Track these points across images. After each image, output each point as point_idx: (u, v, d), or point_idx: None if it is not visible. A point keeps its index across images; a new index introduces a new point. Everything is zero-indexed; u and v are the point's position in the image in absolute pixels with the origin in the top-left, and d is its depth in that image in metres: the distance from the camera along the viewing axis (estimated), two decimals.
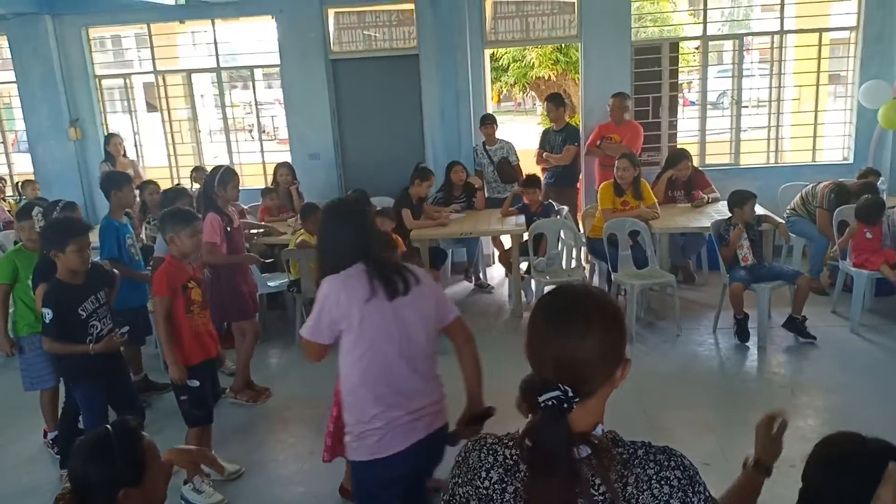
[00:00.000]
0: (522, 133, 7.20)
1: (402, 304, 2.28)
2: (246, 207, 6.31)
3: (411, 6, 7.04)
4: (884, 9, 6.46)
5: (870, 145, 6.63)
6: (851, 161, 6.79)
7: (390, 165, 7.18)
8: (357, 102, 7.44)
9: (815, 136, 7.07)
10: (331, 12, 7.38)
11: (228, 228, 4.42)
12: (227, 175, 4.50)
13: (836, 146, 7.07)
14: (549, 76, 12.05)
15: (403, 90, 7.25)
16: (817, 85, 6.99)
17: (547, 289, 5.75)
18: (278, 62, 7.42)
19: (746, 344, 4.95)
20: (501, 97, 18.13)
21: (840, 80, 7.22)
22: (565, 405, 1.13)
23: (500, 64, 12.28)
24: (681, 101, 9.46)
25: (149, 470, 1.64)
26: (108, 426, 1.69)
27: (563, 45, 10.99)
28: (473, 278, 6.69)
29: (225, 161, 7.69)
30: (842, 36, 7.03)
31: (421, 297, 2.32)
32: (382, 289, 2.26)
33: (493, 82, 13.39)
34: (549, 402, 1.13)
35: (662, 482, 1.16)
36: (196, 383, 3.37)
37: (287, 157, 7.45)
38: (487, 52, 7.47)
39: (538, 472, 1.15)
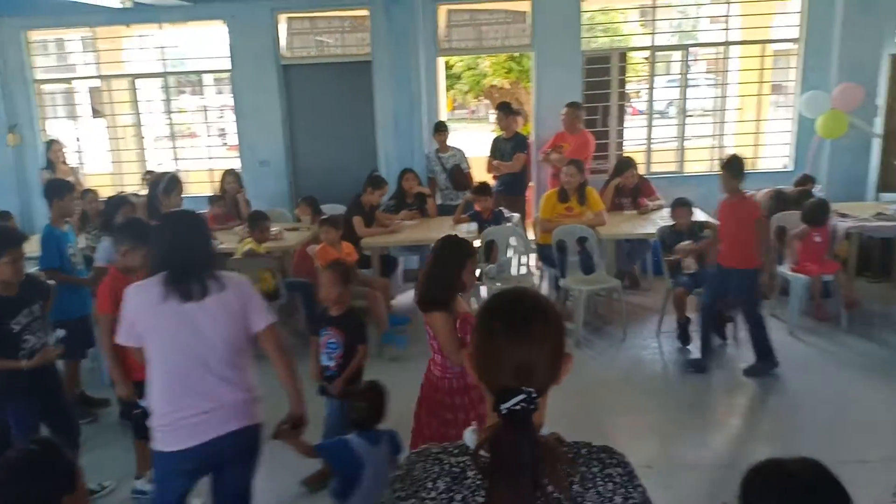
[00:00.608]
0: (476, 141, 7.25)
1: (198, 308, 2.38)
2: None
3: (365, 13, 7.03)
4: (823, 22, 6.71)
5: (808, 154, 6.87)
6: (792, 169, 7.02)
7: (342, 173, 7.16)
8: (309, 109, 7.40)
9: (756, 145, 7.30)
10: (283, 17, 7.33)
11: None
12: (171, 183, 4.42)
13: (778, 154, 7.31)
14: (503, 84, 12.18)
15: (356, 97, 7.24)
16: (760, 95, 7.22)
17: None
18: (229, 67, 7.33)
19: (688, 347, 5.07)
20: (455, 105, 18.23)
21: (782, 91, 7.47)
22: (532, 408, 1.14)
23: (454, 72, 12.39)
24: (629, 110, 9.67)
25: (78, 477, 1.68)
26: (30, 443, 1.68)
27: (516, 54, 11.14)
28: None
29: (171, 168, 7.56)
30: (784, 48, 7.29)
31: (221, 303, 2.42)
32: (176, 294, 2.38)
33: (446, 90, 13.50)
34: (518, 407, 1.13)
35: (606, 479, 1.19)
36: (146, 402, 3.30)
37: (236, 164, 7.36)
38: (441, 60, 7.52)
39: (501, 482, 1.14)
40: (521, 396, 1.13)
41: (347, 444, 2.70)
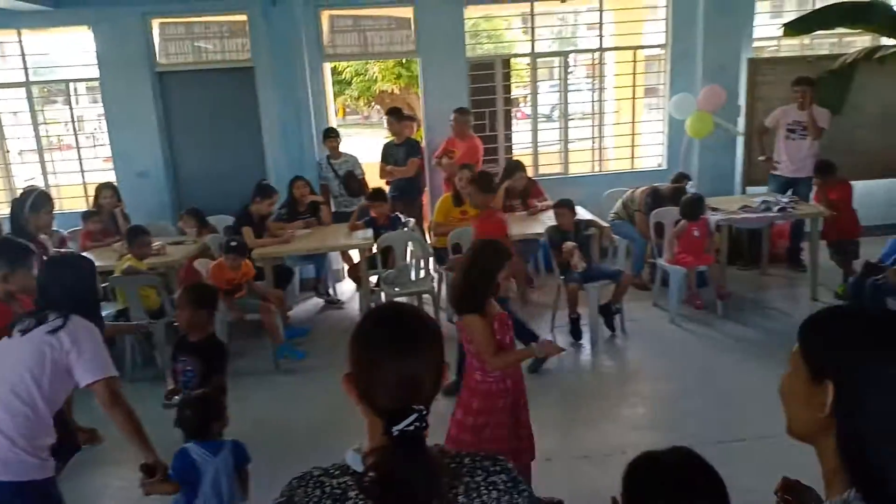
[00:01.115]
0: (370, 146, 7.21)
1: (17, 341, 2.32)
2: (66, 233, 5.78)
3: (243, 17, 6.82)
4: (687, 29, 7.19)
5: (680, 152, 7.35)
6: (665, 167, 7.47)
7: (229, 182, 6.90)
8: (189, 117, 7.09)
9: (633, 146, 7.72)
10: (155, 23, 6.97)
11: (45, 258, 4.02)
12: (39, 200, 4.10)
13: (652, 154, 7.76)
14: (393, 90, 12.20)
15: (240, 104, 7.01)
16: (634, 98, 7.64)
17: (398, 300, 5.84)
18: (97, 75, 6.89)
19: (580, 342, 5.27)
20: (347, 110, 18.08)
21: (654, 94, 7.94)
22: (424, 426, 1.12)
23: (343, 77, 12.27)
24: (518, 114, 9.96)
25: None
26: None
27: (404, 60, 11.20)
28: (324, 294, 6.59)
29: (40, 183, 7.01)
30: (654, 53, 7.74)
31: (40, 343, 2.32)
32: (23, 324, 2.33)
33: (336, 96, 13.36)
34: (411, 428, 1.11)
35: (490, 487, 1.19)
36: None
37: (111, 177, 6.92)
38: (328, 66, 7.42)
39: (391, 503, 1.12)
40: (414, 416, 1.11)
41: (185, 452, 2.61)
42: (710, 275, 5.85)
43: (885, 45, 6.57)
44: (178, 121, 7.12)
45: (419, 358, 1.18)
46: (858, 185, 6.30)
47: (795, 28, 6.49)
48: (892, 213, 7.06)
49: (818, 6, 6.88)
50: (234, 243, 5.10)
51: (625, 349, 5.14)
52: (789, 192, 6.36)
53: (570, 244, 5.28)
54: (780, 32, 6.66)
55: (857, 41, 7.56)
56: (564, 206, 5.42)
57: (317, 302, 6.59)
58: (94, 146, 7.58)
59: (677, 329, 5.48)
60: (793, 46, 7.74)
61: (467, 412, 2.93)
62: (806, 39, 7.56)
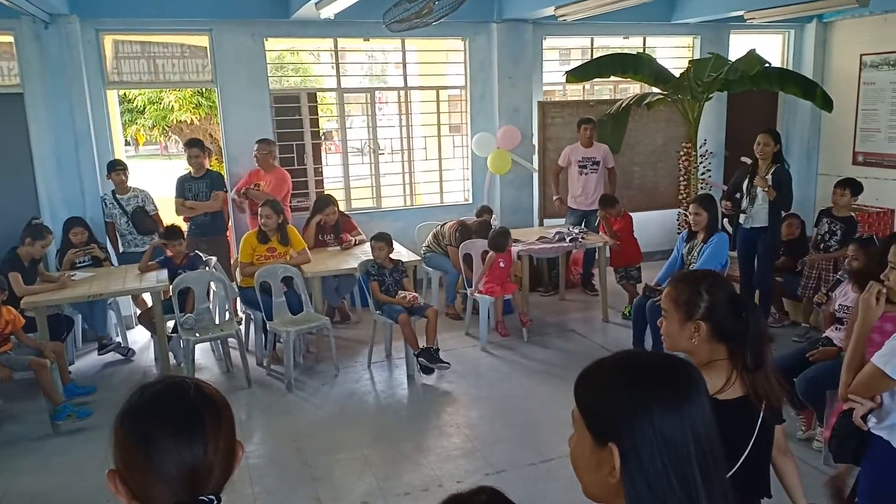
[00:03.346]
0: (170, 178, 6.66)
1: None
2: None
3: (9, 38, 6.04)
4: (484, 73, 7.62)
5: (484, 187, 7.71)
6: (471, 201, 7.79)
7: None
8: None
9: (441, 181, 7.97)
10: None
11: None
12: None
13: (458, 189, 8.07)
14: (192, 120, 11.53)
15: (6, 134, 6.14)
16: (439, 136, 7.90)
17: (199, 348, 5.39)
18: None
19: (432, 374, 5.18)
20: (145, 140, 16.79)
21: (457, 132, 8.28)
22: None
23: (135, 106, 11.36)
24: (333, 147, 9.86)
25: None
26: None
27: (204, 89, 10.63)
28: (110, 345, 5.89)
29: None
30: (455, 93, 8.09)
31: None
32: None
33: (127, 125, 12.32)
34: None
35: None
36: None
37: None
38: (113, 93, 6.80)
39: None
40: None
41: None
42: (514, 302, 6.14)
43: (651, 93, 7.47)
44: None
45: (206, 442, 1.02)
46: (637, 216, 7.02)
47: (576, 75, 7.15)
48: (666, 240, 7.96)
49: (596, 56, 7.65)
50: None
51: (440, 379, 5.19)
52: (583, 224, 6.94)
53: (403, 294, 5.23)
54: (565, 79, 7.29)
55: (630, 88, 8.53)
56: (382, 240, 5.40)
57: (100, 358, 5.88)
58: None
59: (488, 356, 5.65)
60: (577, 91, 8.52)
61: None
62: (588, 85, 8.37)
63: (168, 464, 0.99)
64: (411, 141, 7.89)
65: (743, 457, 1.78)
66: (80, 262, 5.67)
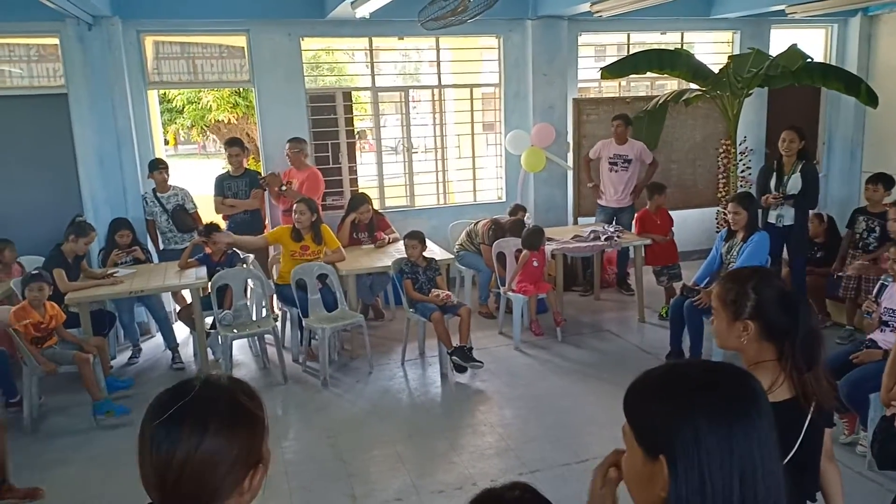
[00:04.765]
0: (207, 177, 6.78)
1: None
2: None
3: (55, 40, 6.21)
4: (518, 70, 7.59)
5: (517, 185, 7.68)
6: (504, 200, 7.77)
7: (40, 219, 6.18)
8: None
9: (474, 179, 7.95)
10: None
11: None
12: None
13: (492, 187, 8.04)
14: (230, 119, 11.70)
15: (51, 133, 6.32)
16: (472, 134, 7.89)
17: (236, 344, 5.49)
18: None
19: (465, 372, 5.16)
20: (180, 140, 17.11)
21: (491, 130, 8.26)
22: None
23: (174, 106, 11.58)
24: (367, 146, 9.92)
25: None
26: None
27: (241, 89, 10.80)
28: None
29: None
30: (489, 91, 8.07)
31: None
32: None
33: (167, 125, 12.57)
34: None
35: None
36: None
37: None
38: (153, 93, 6.94)
39: None
40: None
41: None
42: (548, 301, 6.10)
43: (689, 89, 7.34)
44: None
45: (180, 444, 0.98)
46: (674, 215, 6.91)
47: (612, 71, 7.06)
48: (704, 238, 7.82)
49: (633, 52, 7.55)
50: (36, 270, 4.57)
51: (473, 378, 5.18)
52: (614, 222, 6.86)
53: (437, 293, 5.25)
54: (600, 75, 7.21)
55: (668, 85, 8.40)
56: (415, 238, 5.41)
57: (148, 349, 6.03)
58: None
59: (521, 355, 5.63)
60: (613, 88, 8.42)
61: None
62: (624, 82, 8.27)
63: (145, 463, 1.00)
64: (445, 139, 7.89)
65: (786, 459, 1.74)
66: (121, 263, 5.79)
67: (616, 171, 6.97)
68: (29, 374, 4.61)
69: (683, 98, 7.21)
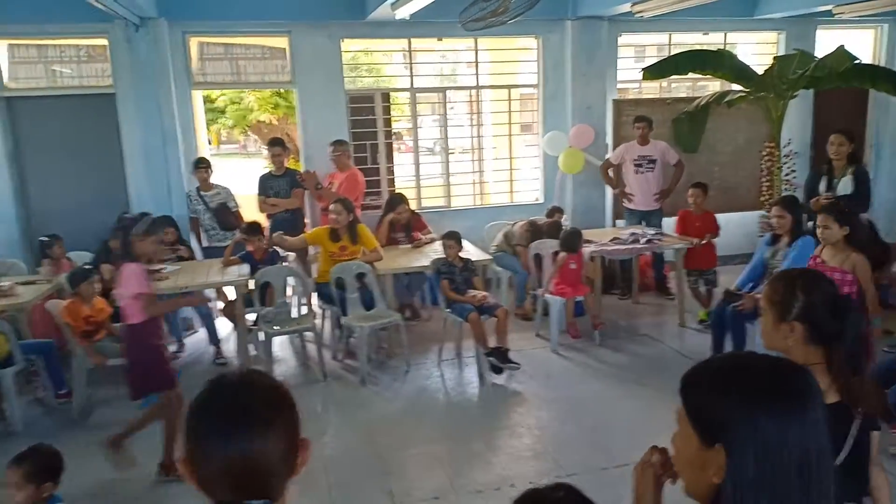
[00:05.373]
0: (248, 176, 6.91)
1: None
2: None
3: (104, 41, 6.39)
4: (557, 71, 7.56)
5: (555, 187, 7.64)
6: (542, 201, 7.74)
7: (88, 215, 6.36)
8: (42, 146, 6.49)
9: (511, 180, 7.94)
10: (2, 44, 6.37)
11: None
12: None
13: (529, 188, 8.02)
14: (271, 119, 11.89)
15: (99, 132, 6.51)
16: (510, 135, 7.88)
17: (277, 339, 5.57)
18: None
19: (502, 374, 5.16)
20: (222, 140, 17.42)
21: (529, 131, 8.24)
22: None
23: (216, 106, 11.80)
24: (403, 147, 9.98)
25: None
26: None
27: (282, 90, 10.96)
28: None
29: None
30: (527, 92, 8.05)
31: None
32: None
33: (209, 124, 12.83)
34: None
35: None
36: None
37: None
38: (198, 93, 7.09)
39: None
40: None
41: None
42: (585, 305, 6.06)
43: (732, 91, 7.22)
44: (30, 150, 6.50)
45: (253, 438, 1.00)
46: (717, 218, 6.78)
47: (653, 72, 6.99)
48: (746, 243, 7.69)
49: (674, 53, 7.45)
50: (87, 265, 4.68)
51: (509, 380, 5.18)
52: (643, 225, 6.77)
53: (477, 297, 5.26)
54: (641, 76, 7.14)
55: (710, 86, 8.27)
56: (452, 238, 5.43)
57: (192, 344, 6.16)
58: None
59: (558, 358, 5.60)
60: (653, 88, 8.33)
61: None
62: (664, 83, 8.17)
63: (213, 461, 1.00)
64: (482, 140, 7.89)
65: (836, 462, 1.71)
66: (167, 259, 5.91)
67: (642, 173, 6.90)
68: (78, 366, 4.74)
69: (726, 99, 7.11)
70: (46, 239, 5.68)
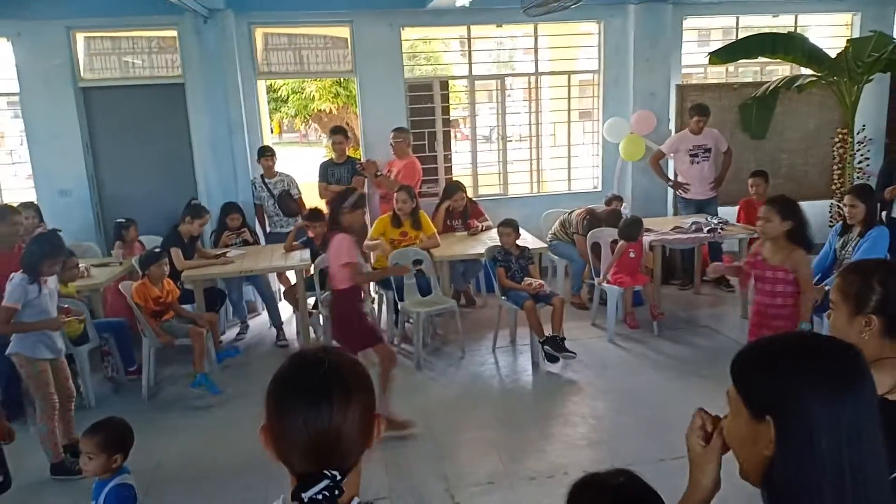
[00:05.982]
0: (309, 165, 7.08)
1: None
2: None
3: (173, 33, 6.62)
4: (619, 56, 7.41)
5: (614, 175, 7.52)
6: (600, 189, 7.63)
7: (158, 201, 6.65)
8: (115, 134, 6.81)
9: (569, 168, 7.86)
10: (79, 36, 6.68)
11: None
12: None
13: (587, 176, 7.92)
14: (331, 109, 12.08)
15: (169, 121, 6.77)
16: (569, 122, 7.79)
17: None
18: (17, 90, 6.54)
19: (557, 362, 5.13)
20: (284, 128, 17.82)
21: (588, 118, 8.12)
22: (337, 494, 1.03)
23: (279, 95, 12.08)
24: (458, 135, 10.01)
25: None
26: None
27: (342, 79, 11.11)
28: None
29: None
30: (587, 78, 7.93)
31: None
32: None
33: (272, 113, 13.13)
34: (319, 497, 1.02)
35: None
36: None
37: (32, 196, 6.55)
38: (262, 83, 7.27)
39: None
40: (324, 483, 1.03)
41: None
42: (644, 294, 5.96)
43: (803, 75, 6.94)
44: (104, 137, 6.82)
45: (333, 416, 1.05)
46: None
47: (720, 57, 6.78)
48: (816, 233, 7.36)
49: (742, 36, 7.20)
50: (157, 249, 4.94)
51: (565, 369, 5.15)
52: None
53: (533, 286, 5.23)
54: (707, 60, 6.93)
55: (779, 70, 7.96)
56: (509, 226, 5.43)
57: (255, 326, 6.38)
58: (14, 164, 7.19)
59: (615, 348, 5.54)
60: (719, 73, 8.08)
61: None
62: (731, 67, 7.91)
63: (295, 433, 1.05)
64: (540, 127, 7.83)
65: None
66: (231, 244, 6.14)
67: (698, 163, 6.72)
68: (148, 345, 4.97)
69: (796, 84, 6.84)
70: (123, 220, 5.95)
